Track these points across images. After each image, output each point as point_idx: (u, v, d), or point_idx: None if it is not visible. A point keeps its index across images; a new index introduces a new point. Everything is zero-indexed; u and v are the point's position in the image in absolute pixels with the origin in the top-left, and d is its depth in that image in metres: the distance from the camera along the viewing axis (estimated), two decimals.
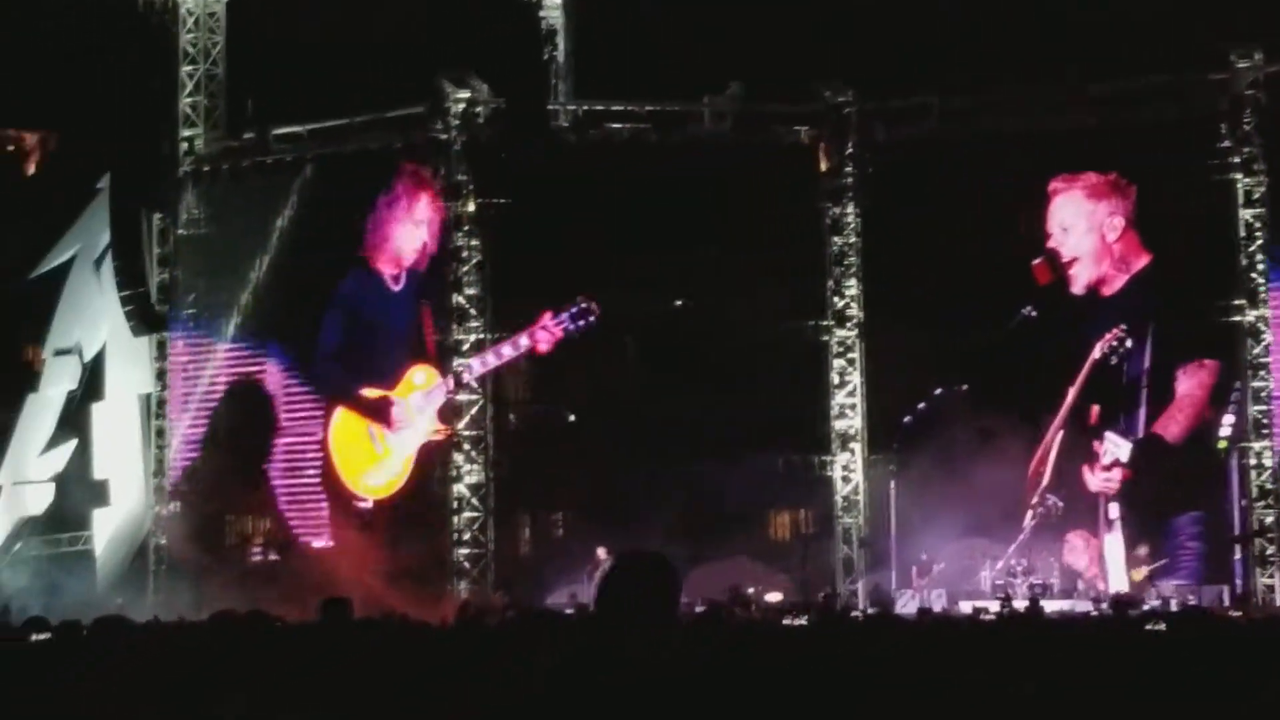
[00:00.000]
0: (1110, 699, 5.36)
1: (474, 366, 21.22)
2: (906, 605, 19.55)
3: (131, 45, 22.19)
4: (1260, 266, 20.48)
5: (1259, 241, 20.45)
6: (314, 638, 8.70)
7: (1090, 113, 21.24)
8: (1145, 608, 17.49)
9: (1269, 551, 20.20)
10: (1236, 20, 20.24)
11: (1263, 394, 20.25)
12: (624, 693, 2.99)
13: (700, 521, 21.17)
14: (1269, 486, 20.25)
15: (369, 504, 21.86)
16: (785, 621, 16.30)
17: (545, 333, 21.29)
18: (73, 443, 22.38)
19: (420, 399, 21.55)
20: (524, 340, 21.40)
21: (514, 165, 21.56)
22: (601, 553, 21.26)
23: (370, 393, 21.57)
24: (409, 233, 21.71)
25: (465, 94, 21.54)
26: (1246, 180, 20.43)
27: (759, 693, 3.46)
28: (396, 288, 21.87)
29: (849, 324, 21.54)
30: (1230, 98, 20.44)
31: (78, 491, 22.38)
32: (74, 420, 22.45)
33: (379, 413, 21.58)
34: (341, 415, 21.89)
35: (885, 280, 21.67)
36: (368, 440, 21.77)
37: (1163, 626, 10.86)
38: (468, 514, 21.44)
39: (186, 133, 22.27)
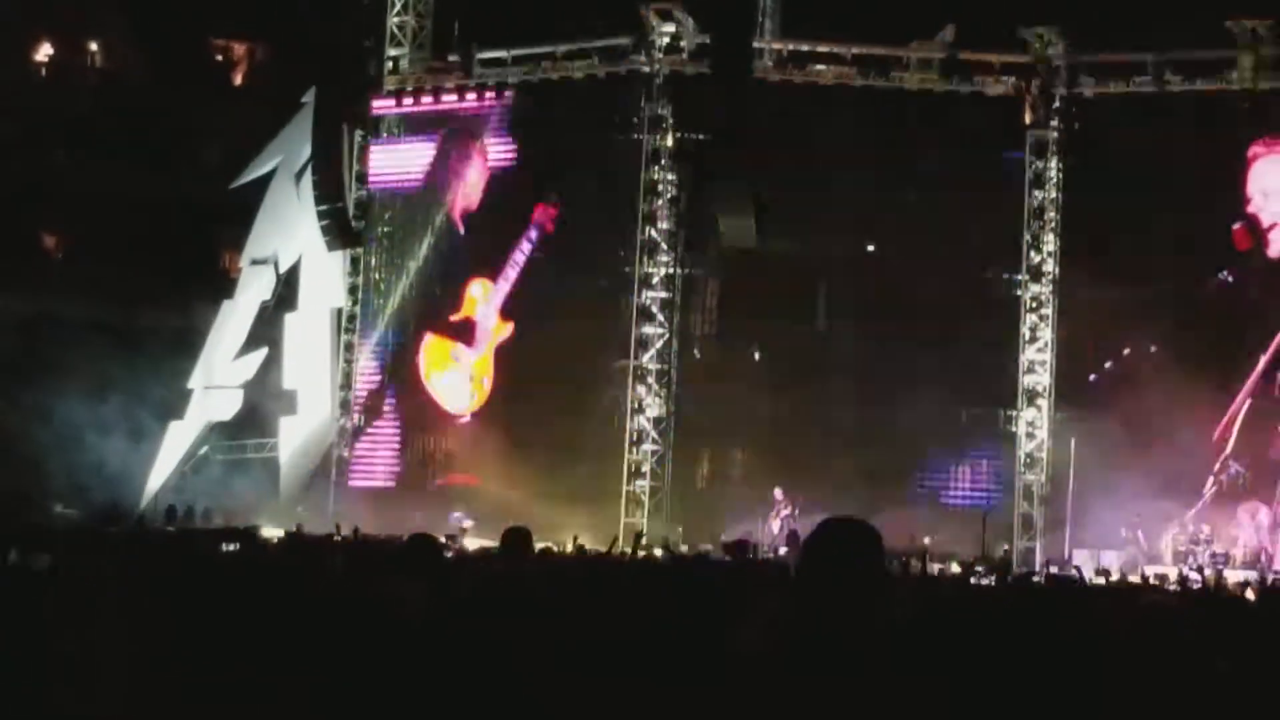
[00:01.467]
0: None
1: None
2: (1085, 565, 19.44)
3: None
4: None
5: None
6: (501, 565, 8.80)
7: None
8: None
9: None
10: None
11: None
12: (834, 654, 2.97)
13: (879, 468, 21.17)
14: None
15: (467, 419, 22.29)
16: (973, 580, 16.23)
17: (544, 213, 22.02)
18: (264, 351, 22.89)
19: (483, 308, 22.30)
20: (533, 233, 22.10)
21: (716, 101, 21.62)
22: (778, 493, 21.40)
23: (454, 317, 22.37)
24: (474, 183, 22.39)
25: (670, 27, 21.57)
26: None
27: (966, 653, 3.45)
28: (461, 229, 22.57)
29: (1044, 279, 21.34)
30: None
31: (266, 399, 22.89)
32: (266, 329, 22.96)
33: (463, 332, 22.29)
34: (430, 342, 22.52)
35: (1082, 237, 21.48)
36: (451, 360, 22.40)
37: None
38: (647, 446, 21.63)
39: (392, 52, 22.57)
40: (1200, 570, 19.11)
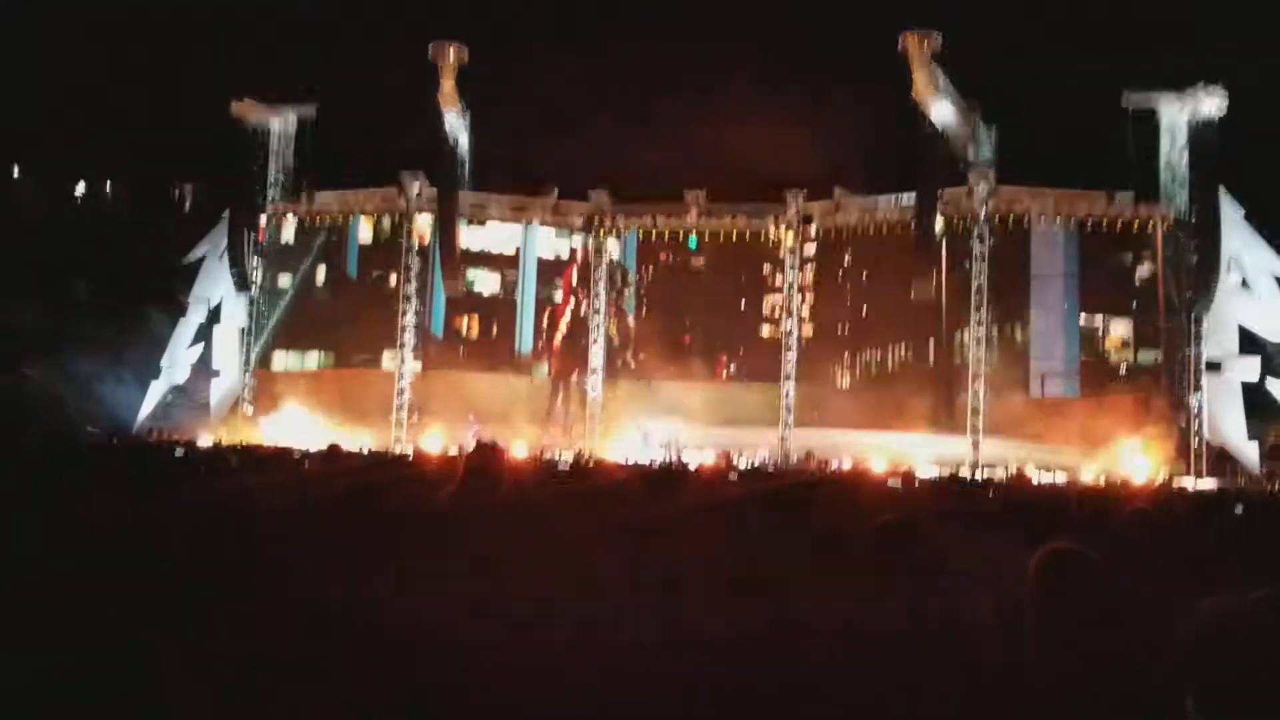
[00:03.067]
0: None
1: None
2: None
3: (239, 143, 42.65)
4: None
5: None
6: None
7: None
8: None
9: None
10: None
11: None
12: None
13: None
14: None
15: None
16: None
17: None
18: (200, 346, 43.01)
19: None
20: None
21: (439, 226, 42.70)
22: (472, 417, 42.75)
23: None
24: None
25: (416, 184, 42.57)
26: None
27: None
28: None
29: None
30: None
31: (203, 372, 42.96)
32: (203, 335, 43.03)
33: None
34: None
35: None
36: None
37: None
38: None
39: (269, 191, 43.13)
40: None
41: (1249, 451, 37.70)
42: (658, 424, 40.44)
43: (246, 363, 42.98)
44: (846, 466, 37.45)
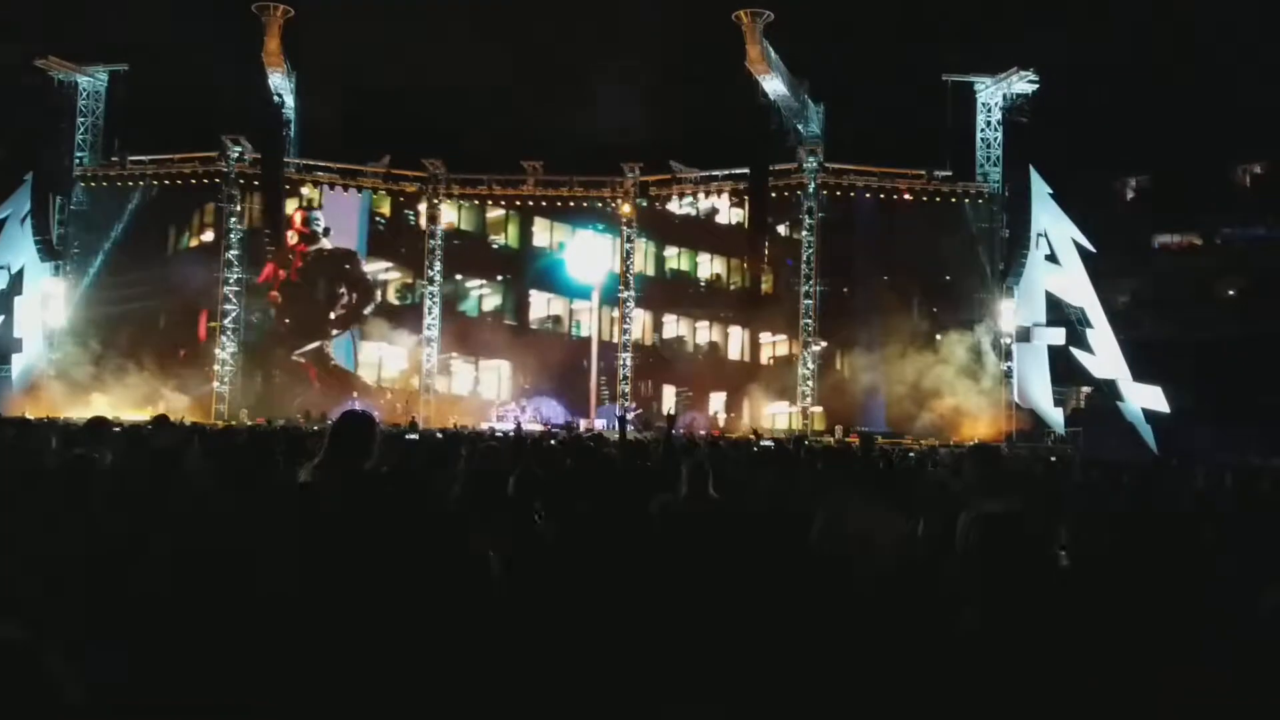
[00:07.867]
0: None
1: None
2: None
3: (50, 102, 40.01)
4: None
5: None
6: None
7: None
8: None
9: None
10: None
11: None
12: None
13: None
14: None
15: None
16: None
17: None
18: (0, 316, 40.07)
19: None
20: None
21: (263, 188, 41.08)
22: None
23: None
24: None
25: (238, 149, 40.81)
26: None
27: None
28: None
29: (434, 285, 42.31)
30: None
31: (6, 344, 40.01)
32: (3, 305, 40.09)
33: None
34: None
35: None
36: None
37: None
38: (227, 368, 40.89)
39: (78, 154, 40.51)
40: None
41: (1055, 415, 40.00)
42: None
43: (51, 334, 40.30)
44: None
